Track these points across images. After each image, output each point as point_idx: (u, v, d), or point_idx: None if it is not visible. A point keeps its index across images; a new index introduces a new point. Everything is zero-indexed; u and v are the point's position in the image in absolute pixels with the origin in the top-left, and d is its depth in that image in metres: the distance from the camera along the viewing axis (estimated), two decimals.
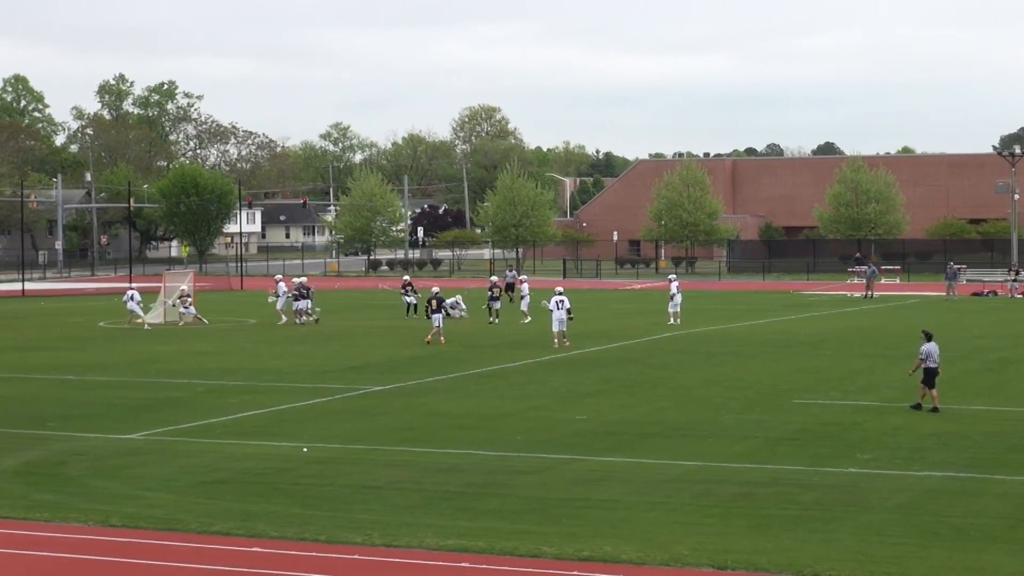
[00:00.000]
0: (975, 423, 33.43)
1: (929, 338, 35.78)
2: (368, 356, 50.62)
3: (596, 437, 31.75)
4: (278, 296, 67.85)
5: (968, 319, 67.98)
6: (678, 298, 64.29)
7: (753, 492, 25.35)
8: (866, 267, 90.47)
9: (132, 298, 66.41)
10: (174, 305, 67.89)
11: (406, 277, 77.21)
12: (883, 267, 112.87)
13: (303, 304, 66.02)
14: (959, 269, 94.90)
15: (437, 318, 56.03)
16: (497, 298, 66.15)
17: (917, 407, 35.10)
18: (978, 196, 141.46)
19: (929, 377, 35.14)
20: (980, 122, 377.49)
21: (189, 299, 68.34)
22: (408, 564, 20.46)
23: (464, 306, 68.69)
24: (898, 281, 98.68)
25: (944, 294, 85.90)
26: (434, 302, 56.57)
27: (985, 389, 40.13)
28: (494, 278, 71.66)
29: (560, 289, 56.73)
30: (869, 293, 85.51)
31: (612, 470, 27.67)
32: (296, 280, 69.21)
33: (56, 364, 48.51)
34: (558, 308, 53.51)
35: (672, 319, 63.56)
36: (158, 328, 64.43)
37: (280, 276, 74.90)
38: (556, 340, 53.30)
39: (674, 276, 69.80)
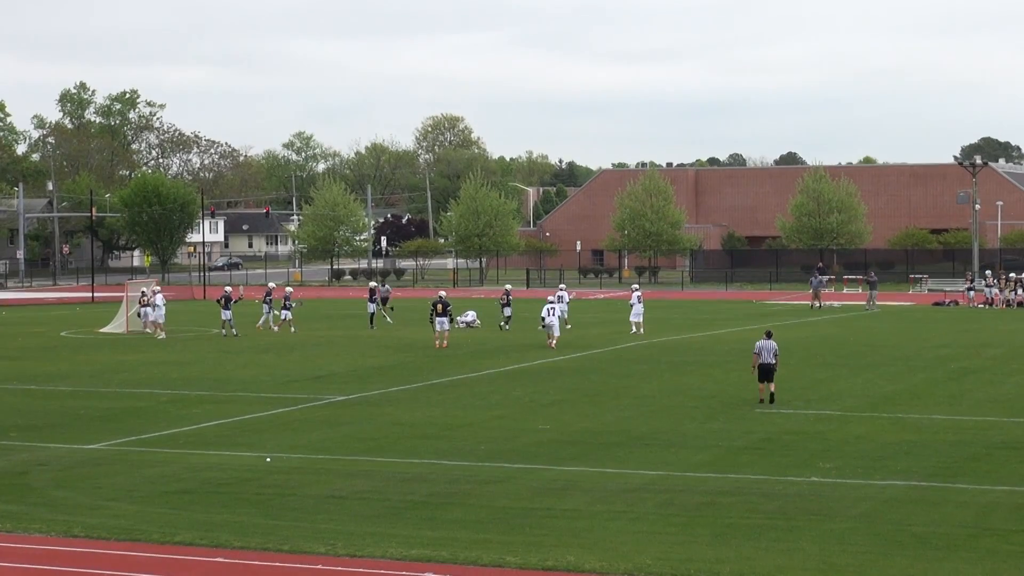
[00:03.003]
0: (936, 432, 33.60)
1: (768, 336, 39.07)
2: (331, 366, 50.57)
3: (559, 446, 31.81)
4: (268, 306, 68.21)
5: (929, 329, 68.29)
6: (639, 308, 64.45)
7: (716, 501, 25.45)
8: (813, 278, 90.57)
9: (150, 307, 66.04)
10: (138, 314, 67.57)
11: (372, 284, 77.29)
12: (846, 277, 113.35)
13: (288, 314, 66.93)
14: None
15: (441, 322, 57.16)
16: (508, 304, 66.76)
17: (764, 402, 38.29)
18: (940, 206, 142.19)
19: (764, 372, 38.38)
20: (941, 133, 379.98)
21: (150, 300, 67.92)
22: (372, 574, 20.49)
23: (479, 322, 69.11)
24: (860, 291, 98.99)
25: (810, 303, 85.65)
26: (439, 306, 57.59)
27: (946, 398, 40.31)
28: (508, 286, 72.57)
29: (555, 296, 62.09)
30: (817, 303, 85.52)
31: (575, 479, 27.71)
32: (287, 289, 70.62)
33: (18, 374, 48.30)
34: (549, 315, 57.20)
35: (635, 328, 63.70)
36: (119, 337, 64.16)
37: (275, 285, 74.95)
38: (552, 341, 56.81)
39: (637, 286, 70.08)
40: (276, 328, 66.55)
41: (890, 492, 26.27)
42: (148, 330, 66.07)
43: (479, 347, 57.34)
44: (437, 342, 57.28)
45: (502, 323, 66.83)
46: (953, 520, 23.92)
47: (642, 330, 63.52)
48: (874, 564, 20.93)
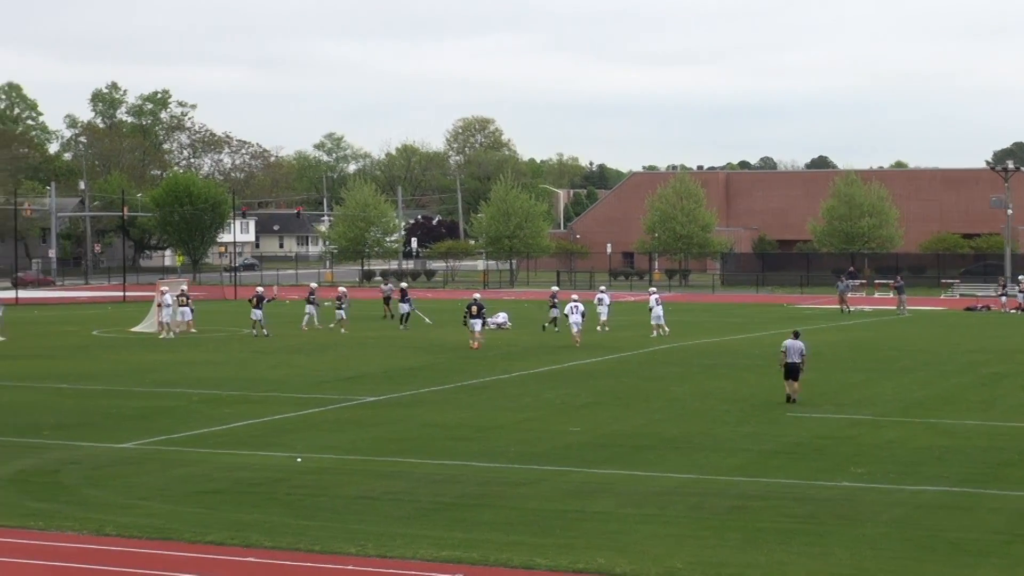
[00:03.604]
0: (969, 438, 33.46)
1: (796, 336, 39.77)
2: (363, 367, 50.64)
3: (590, 449, 31.80)
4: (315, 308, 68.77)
5: (961, 333, 68.04)
6: (658, 310, 64.63)
7: (747, 505, 25.39)
8: (840, 282, 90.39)
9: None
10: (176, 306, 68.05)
11: (403, 284, 77.57)
12: (877, 281, 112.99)
13: (342, 313, 68.10)
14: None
15: (475, 323, 57.91)
16: (555, 306, 67.02)
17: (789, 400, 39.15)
18: (972, 211, 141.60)
19: (790, 372, 39.16)
20: (973, 137, 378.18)
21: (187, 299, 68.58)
22: (402, 575, 20.48)
23: (510, 323, 69.10)
24: (892, 295, 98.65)
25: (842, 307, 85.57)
26: (474, 308, 58.38)
27: (979, 404, 40.13)
28: (555, 288, 73.28)
29: (592, 296, 63.73)
30: (846, 308, 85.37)
31: (606, 482, 27.70)
32: (340, 289, 71.88)
33: (50, 373, 48.53)
34: (574, 312, 59.39)
35: (656, 332, 63.75)
36: (150, 337, 64.42)
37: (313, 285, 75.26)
38: (578, 339, 58.70)
39: (654, 290, 70.33)
40: (331, 327, 67.28)
41: (922, 497, 26.19)
42: (187, 329, 66.52)
43: (510, 349, 57.37)
44: (472, 343, 57.55)
45: (546, 324, 66.85)
46: (985, 526, 23.81)
47: (666, 330, 63.56)
48: (906, 570, 20.86)
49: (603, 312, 67.57)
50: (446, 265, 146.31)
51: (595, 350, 56.50)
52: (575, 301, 60.77)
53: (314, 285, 74.82)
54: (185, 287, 71.45)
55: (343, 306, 68.57)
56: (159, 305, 66.21)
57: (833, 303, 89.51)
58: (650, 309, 64.92)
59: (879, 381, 45.96)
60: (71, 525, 23.56)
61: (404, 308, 69.99)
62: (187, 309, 67.49)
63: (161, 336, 63.95)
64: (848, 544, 22.31)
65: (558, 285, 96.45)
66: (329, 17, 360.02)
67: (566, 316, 60.92)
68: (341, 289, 73.29)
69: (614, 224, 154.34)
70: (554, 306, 67.04)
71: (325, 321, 68.50)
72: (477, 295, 62.14)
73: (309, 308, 68.64)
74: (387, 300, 76.63)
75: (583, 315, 59.75)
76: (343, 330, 66.58)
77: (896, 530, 23.39)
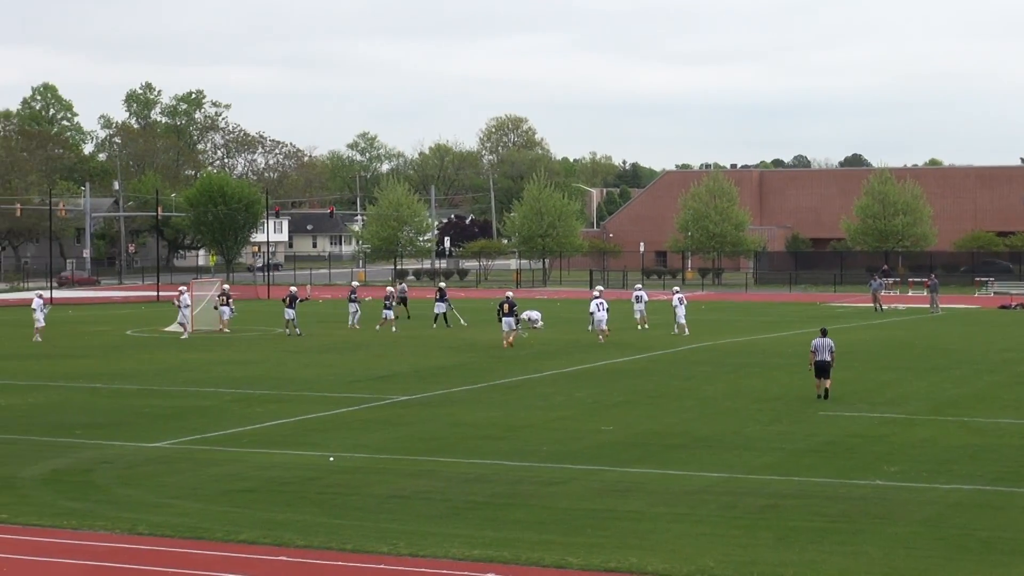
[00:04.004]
0: (1002, 436, 33.38)
1: (824, 334, 40.38)
2: (394, 366, 50.76)
3: (622, 448, 31.80)
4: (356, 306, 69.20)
5: (995, 332, 67.84)
6: (680, 310, 64.99)
7: (779, 504, 25.35)
8: (872, 280, 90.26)
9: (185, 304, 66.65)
10: (216, 307, 68.58)
11: (442, 284, 77.67)
12: (911, 279, 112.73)
13: (390, 313, 68.78)
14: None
15: (508, 322, 58.41)
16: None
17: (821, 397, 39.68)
18: (1007, 209, 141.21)
19: (821, 369, 39.72)
20: (1007, 135, 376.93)
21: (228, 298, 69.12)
22: (434, 574, 20.52)
23: (542, 323, 69.12)
24: (925, 294, 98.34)
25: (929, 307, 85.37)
26: (506, 306, 58.83)
27: (1012, 402, 40.00)
28: (600, 288, 73.08)
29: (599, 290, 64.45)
30: (878, 306, 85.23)
31: (638, 481, 27.69)
32: (399, 286, 71.56)
33: (84, 372, 48.79)
34: (599, 310, 60.48)
35: (676, 330, 64.00)
36: (180, 337, 64.73)
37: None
38: (602, 336, 60.05)
39: (678, 289, 70.95)
40: (378, 328, 67.64)
41: (955, 496, 26.10)
42: (222, 327, 66.89)
43: (542, 348, 57.42)
44: (504, 341, 57.76)
45: (590, 327, 66.58)
46: (1019, 525, 23.73)
47: (687, 331, 63.61)
48: (939, 569, 20.79)
49: (640, 309, 67.93)
50: (479, 264, 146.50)
51: (626, 349, 56.53)
52: (598, 298, 61.61)
53: (356, 284, 75.21)
54: (227, 287, 72.15)
55: (390, 305, 68.83)
56: (178, 306, 66.54)
57: (866, 302, 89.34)
58: (674, 308, 65.31)
59: (912, 380, 45.86)
60: (104, 524, 23.64)
61: (441, 308, 70.10)
62: (227, 308, 67.97)
63: (182, 336, 64.19)
64: (881, 543, 22.26)
65: (593, 285, 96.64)
66: (363, 17, 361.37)
67: (591, 314, 61.58)
68: (389, 289, 73.53)
69: (647, 223, 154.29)
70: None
71: (369, 322, 68.59)
72: (509, 293, 62.49)
73: (352, 307, 68.98)
74: (404, 300, 76.31)
75: (607, 311, 60.72)
76: (393, 328, 66.90)
77: (929, 529, 23.33)
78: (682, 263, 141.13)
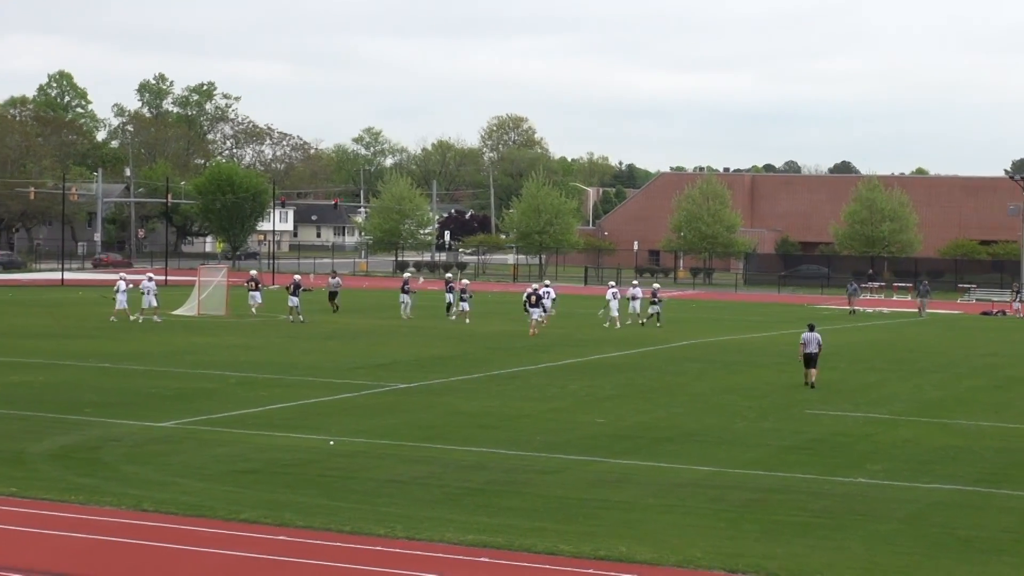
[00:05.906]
0: (982, 439, 33.80)
1: (811, 328, 43.60)
2: (395, 354, 51.23)
3: (614, 440, 32.27)
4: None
5: (977, 337, 68.31)
6: (635, 304, 69.10)
7: (765, 498, 25.77)
8: (849, 284, 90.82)
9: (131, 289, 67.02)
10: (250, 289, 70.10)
11: (448, 275, 78.06)
12: (896, 284, 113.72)
13: (465, 305, 69.45)
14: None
15: (534, 312, 61.00)
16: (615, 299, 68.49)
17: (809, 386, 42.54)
18: (990, 218, 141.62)
19: (809, 361, 43.00)
20: (992, 147, 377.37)
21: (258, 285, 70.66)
22: (429, 557, 20.81)
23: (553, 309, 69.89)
24: (910, 299, 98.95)
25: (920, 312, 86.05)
26: (533, 297, 61.24)
27: (992, 406, 40.49)
28: (612, 283, 74.46)
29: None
30: (853, 309, 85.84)
31: (629, 472, 28.15)
32: (464, 281, 73.58)
33: (94, 352, 49.31)
34: (545, 297, 63.66)
35: (608, 323, 66.65)
36: (188, 320, 65.30)
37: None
38: (619, 322, 65.01)
39: (613, 283, 73.57)
40: (453, 318, 69.01)
41: (936, 495, 26.50)
42: (254, 312, 68.43)
43: (537, 341, 57.86)
44: (530, 330, 60.33)
45: (606, 324, 67.60)
46: (997, 524, 24.14)
47: (618, 325, 66.06)
48: (919, 565, 21.10)
49: (635, 306, 69.23)
50: (477, 258, 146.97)
51: (619, 344, 57.04)
52: (547, 286, 65.00)
53: (407, 275, 75.85)
54: (254, 272, 73.89)
55: (466, 297, 69.38)
56: (134, 291, 66.91)
57: (876, 305, 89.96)
58: (631, 299, 68.91)
59: (896, 381, 46.36)
60: (110, 500, 24.00)
61: (450, 298, 70.91)
62: (257, 294, 69.84)
63: (132, 318, 64.07)
64: (863, 539, 22.61)
65: (585, 281, 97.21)
66: (372, 15, 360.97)
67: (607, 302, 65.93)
68: (464, 281, 73.80)
69: (641, 222, 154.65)
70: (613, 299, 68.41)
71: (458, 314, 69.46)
72: (538, 286, 65.17)
73: (404, 297, 69.76)
74: (333, 295, 76.21)
75: (554, 301, 64.73)
76: (467, 320, 67.54)
77: (910, 526, 23.69)
78: (674, 262, 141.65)
